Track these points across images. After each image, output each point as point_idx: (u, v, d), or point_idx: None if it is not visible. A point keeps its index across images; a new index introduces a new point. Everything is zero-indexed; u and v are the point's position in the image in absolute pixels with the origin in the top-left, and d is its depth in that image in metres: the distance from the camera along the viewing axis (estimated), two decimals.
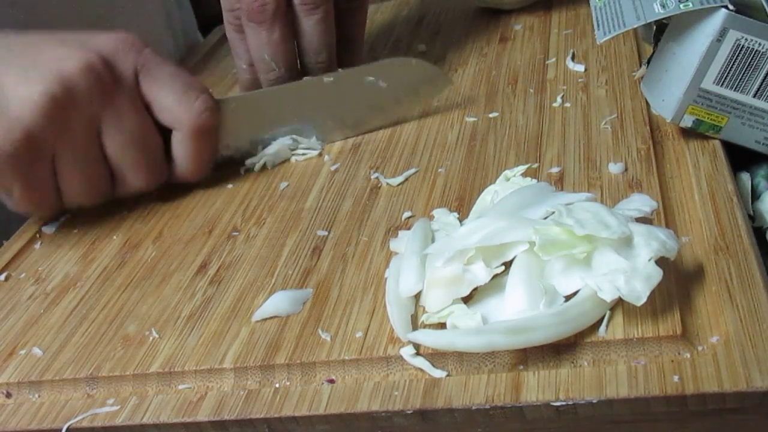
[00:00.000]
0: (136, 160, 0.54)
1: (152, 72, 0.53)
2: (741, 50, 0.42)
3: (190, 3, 0.95)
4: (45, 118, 0.49)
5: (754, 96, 0.44)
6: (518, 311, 0.35)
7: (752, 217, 0.44)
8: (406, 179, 0.51)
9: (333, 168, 0.55)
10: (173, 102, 0.53)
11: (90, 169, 0.53)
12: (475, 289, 0.37)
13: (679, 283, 0.36)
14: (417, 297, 0.39)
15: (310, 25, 0.60)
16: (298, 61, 0.62)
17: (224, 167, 0.58)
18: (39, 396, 0.42)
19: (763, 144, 0.45)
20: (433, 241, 0.42)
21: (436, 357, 0.36)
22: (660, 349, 0.33)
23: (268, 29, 0.59)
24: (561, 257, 0.36)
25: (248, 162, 0.58)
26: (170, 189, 0.59)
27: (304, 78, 0.60)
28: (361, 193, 0.51)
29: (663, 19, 0.44)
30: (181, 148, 0.55)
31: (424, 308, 0.38)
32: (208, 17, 0.92)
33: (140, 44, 0.54)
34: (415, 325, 0.38)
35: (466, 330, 0.35)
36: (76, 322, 0.46)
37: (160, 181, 0.56)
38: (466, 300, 0.37)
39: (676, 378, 0.32)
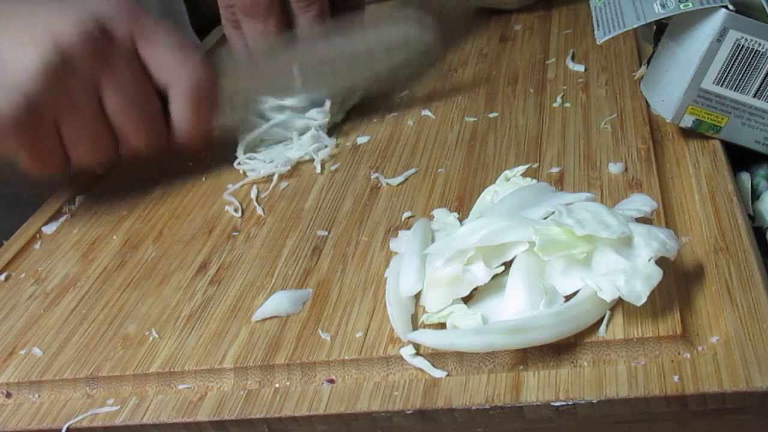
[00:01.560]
0: (137, 120, 0.54)
1: (148, 34, 0.54)
2: (741, 50, 0.42)
3: (187, 6, 0.95)
4: (44, 84, 0.50)
5: (754, 96, 0.44)
6: (518, 311, 0.35)
7: (752, 217, 0.44)
8: (406, 179, 0.51)
9: (333, 168, 0.55)
10: (170, 61, 0.54)
11: (93, 131, 0.53)
12: (475, 289, 0.37)
13: (679, 283, 0.36)
14: (417, 297, 0.39)
15: (304, 22, 0.61)
16: None
17: (225, 148, 0.59)
18: (39, 396, 0.42)
19: (762, 144, 0.45)
20: (433, 241, 0.42)
21: (436, 357, 0.36)
22: (660, 349, 0.33)
23: (263, 22, 0.60)
24: (561, 257, 0.36)
25: (248, 137, 0.58)
26: (170, 189, 0.59)
27: (297, 40, 0.60)
28: (361, 193, 0.51)
29: (663, 19, 0.44)
30: (179, 107, 0.55)
31: (424, 308, 0.38)
32: (207, 18, 0.92)
33: (135, 8, 0.54)
34: (415, 325, 0.38)
35: (466, 330, 0.35)
36: (76, 322, 0.46)
37: (161, 144, 0.56)
38: (466, 300, 0.37)
39: (676, 378, 0.32)
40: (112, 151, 0.55)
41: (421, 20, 0.60)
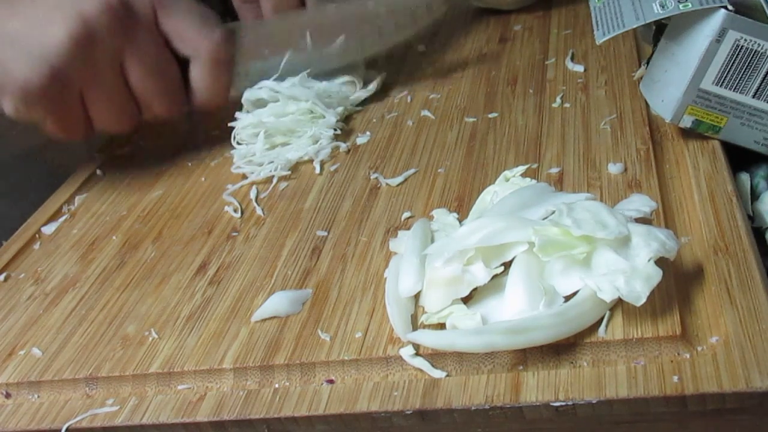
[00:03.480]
0: (157, 89, 0.58)
1: (169, 7, 0.57)
2: (740, 51, 0.42)
3: None
4: (70, 55, 0.53)
5: (754, 96, 0.44)
6: (518, 311, 0.35)
7: (751, 218, 0.44)
8: (406, 179, 0.51)
9: (332, 168, 0.55)
10: (191, 33, 0.57)
11: (116, 99, 0.57)
12: (475, 289, 0.37)
13: (678, 284, 0.36)
14: (417, 297, 0.39)
15: None
16: None
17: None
18: (38, 396, 0.42)
19: (762, 144, 0.45)
20: (432, 241, 0.42)
21: (436, 357, 0.36)
22: (659, 349, 0.33)
23: None
24: (560, 258, 0.36)
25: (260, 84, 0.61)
26: (170, 189, 0.59)
27: (308, 6, 0.63)
28: (361, 193, 0.51)
29: (662, 19, 0.44)
30: (199, 76, 0.59)
31: (423, 308, 0.38)
32: None
33: None
34: (414, 325, 0.38)
35: (465, 330, 0.35)
36: (76, 322, 0.46)
37: (181, 109, 0.60)
38: (466, 300, 0.37)
39: (675, 378, 0.32)
40: (134, 117, 0.59)
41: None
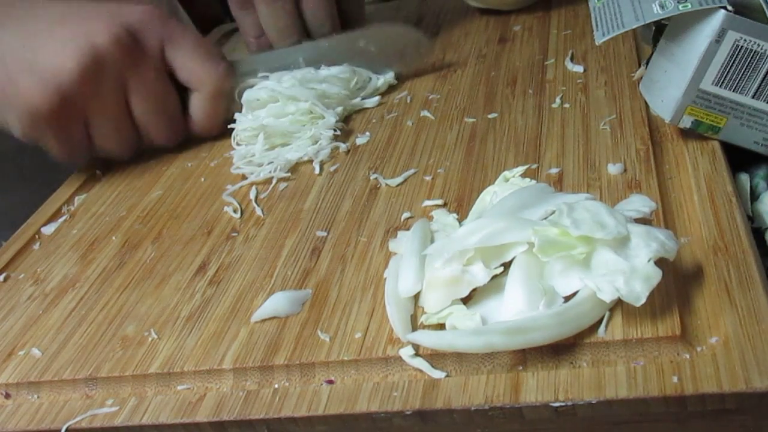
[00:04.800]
0: (159, 119, 0.61)
1: (177, 41, 0.60)
2: (740, 51, 0.42)
3: (186, 8, 0.96)
4: (78, 83, 0.56)
5: (753, 97, 0.44)
6: (517, 312, 0.35)
7: (751, 218, 0.44)
8: (405, 180, 0.51)
9: (332, 169, 0.55)
10: (197, 68, 0.61)
11: (118, 126, 0.60)
12: (475, 289, 0.37)
13: (678, 284, 0.36)
14: (416, 297, 0.39)
15: (313, 1, 0.67)
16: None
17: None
18: (38, 397, 0.42)
19: (761, 145, 0.45)
20: (432, 241, 0.42)
21: (436, 358, 0.36)
22: (659, 349, 0.33)
23: (282, 3, 0.67)
24: (560, 258, 0.36)
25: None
26: (169, 189, 0.59)
27: (303, 42, 0.67)
28: (361, 193, 0.51)
29: (662, 19, 0.44)
30: (200, 107, 0.62)
31: (423, 309, 0.38)
32: (206, 18, 0.92)
33: (166, 15, 0.61)
34: (414, 325, 0.38)
35: (465, 331, 0.35)
36: (75, 322, 0.46)
37: (179, 137, 0.63)
38: (466, 301, 0.37)
39: (675, 379, 0.32)
40: (134, 144, 0.62)
41: (412, 35, 0.67)
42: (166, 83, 0.61)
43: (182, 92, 0.62)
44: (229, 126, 0.62)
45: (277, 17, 0.68)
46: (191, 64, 0.60)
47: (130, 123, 0.60)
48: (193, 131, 0.63)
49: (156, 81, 0.60)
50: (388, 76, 0.65)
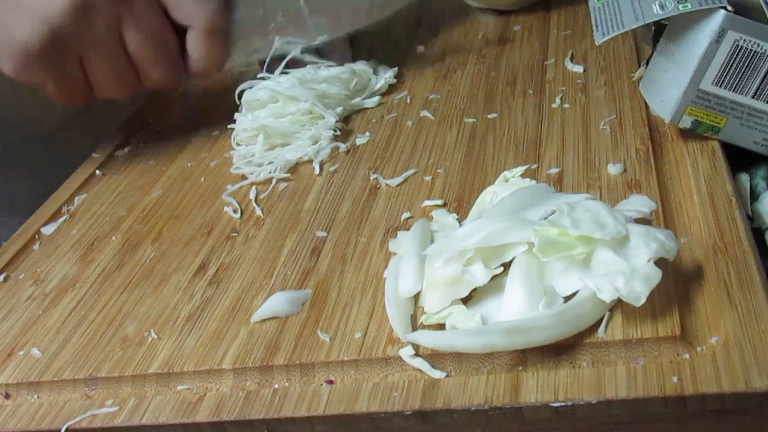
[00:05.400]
0: (155, 56, 0.60)
1: None
2: (740, 51, 0.42)
3: None
4: (69, 19, 0.55)
5: (753, 97, 0.44)
6: (517, 312, 0.35)
7: (751, 218, 0.44)
8: (405, 180, 0.51)
9: (332, 169, 0.55)
10: (188, 3, 0.60)
11: (115, 64, 0.59)
12: (474, 289, 0.37)
13: (678, 284, 0.36)
14: (416, 298, 0.39)
15: None
16: None
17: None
18: (38, 397, 0.42)
19: (761, 145, 0.45)
20: (432, 241, 0.42)
21: (435, 358, 0.36)
22: (659, 349, 0.33)
23: None
24: (560, 258, 0.36)
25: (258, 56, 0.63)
26: (169, 189, 0.59)
27: None
28: (360, 193, 0.51)
29: (662, 19, 0.44)
30: (196, 45, 0.61)
31: (423, 309, 0.38)
32: None
33: None
34: (414, 325, 0.38)
35: (465, 331, 0.35)
36: (75, 323, 0.46)
37: (178, 77, 0.62)
38: (465, 301, 0.37)
39: (675, 379, 0.32)
40: (132, 84, 0.61)
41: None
42: (160, 18, 0.59)
43: (181, 36, 0.61)
44: (228, 126, 0.62)
45: None
46: (183, 1, 0.60)
47: (126, 60, 0.59)
48: (191, 72, 0.62)
49: (150, 14, 0.59)
50: (388, 76, 0.65)
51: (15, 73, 0.57)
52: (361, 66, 0.65)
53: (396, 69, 0.67)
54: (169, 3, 0.60)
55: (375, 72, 0.66)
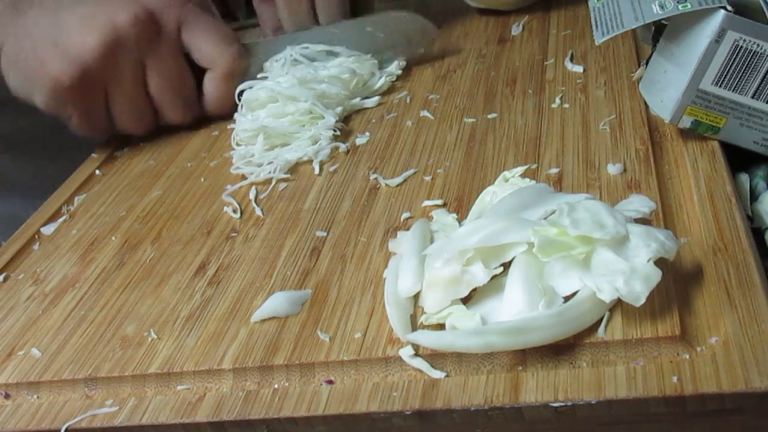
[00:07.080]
0: (173, 98, 0.65)
1: (193, 23, 0.64)
2: (739, 51, 0.42)
3: None
4: (99, 59, 0.60)
5: (753, 97, 0.44)
6: (517, 312, 0.35)
7: (751, 218, 0.44)
8: (405, 180, 0.51)
9: (331, 169, 0.55)
10: (211, 48, 0.64)
11: (136, 103, 0.64)
12: (474, 289, 0.37)
13: (677, 284, 0.36)
14: (416, 298, 0.39)
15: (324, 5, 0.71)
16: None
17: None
18: (38, 397, 0.42)
19: (761, 145, 0.45)
20: (432, 241, 0.42)
21: (435, 358, 0.36)
22: (659, 349, 0.33)
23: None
24: (560, 258, 0.36)
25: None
26: (169, 189, 0.59)
27: (313, 27, 0.70)
28: (360, 193, 0.51)
29: (661, 19, 0.44)
30: (213, 87, 0.65)
31: (423, 309, 0.38)
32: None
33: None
34: (414, 325, 0.38)
35: (465, 331, 0.35)
36: (75, 323, 0.46)
37: (194, 115, 0.67)
38: (465, 301, 0.37)
39: (674, 379, 0.32)
40: (150, 120, 0.66)
41: (419, 22, 0.68)
42: (181, 63, 0.64)
43: (199, 73, 0.65)
44: (228, 126, 0.62)
45: (292, 7, 0.70)
46: (206, 44, 0.64)
47: (146, 100, 0.64)
48: (206, 110, 0.66)
49: (172, 60, 0.63)
50: (392, 68, 0.66)
51: (45, 105, 0.62)
52: (367, 58, 0.66)
53: (404, 61, 0.68)
54: (192, 45, 0.64)
55: (380, 66, 0.67)
